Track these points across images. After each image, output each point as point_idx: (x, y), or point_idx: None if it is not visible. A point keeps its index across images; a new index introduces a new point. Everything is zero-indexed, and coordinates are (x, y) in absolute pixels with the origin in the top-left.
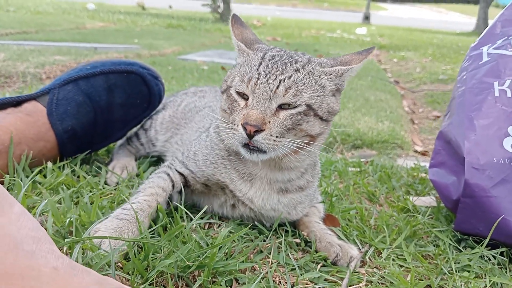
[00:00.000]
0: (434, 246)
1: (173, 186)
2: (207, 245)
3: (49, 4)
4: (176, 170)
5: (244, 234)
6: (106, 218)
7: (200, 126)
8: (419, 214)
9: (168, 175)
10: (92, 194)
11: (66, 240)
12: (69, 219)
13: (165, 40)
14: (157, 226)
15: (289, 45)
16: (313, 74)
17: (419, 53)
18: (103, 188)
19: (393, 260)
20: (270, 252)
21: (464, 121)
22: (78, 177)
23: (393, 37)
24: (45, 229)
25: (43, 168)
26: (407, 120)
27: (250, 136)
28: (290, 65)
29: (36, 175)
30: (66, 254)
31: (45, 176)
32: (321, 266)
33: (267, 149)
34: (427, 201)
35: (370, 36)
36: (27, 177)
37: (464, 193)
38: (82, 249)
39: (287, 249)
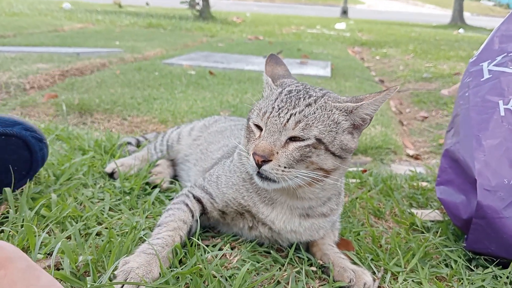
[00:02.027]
0: (446, 266)
1: (192, 215)
2: (226, 279)
3: (24, 4)
4: (193, 197)
5: (257, 261)
6: (133, 252)
7: (223, 144)
8: (427, 231)
9: (187, 205)
10: (101, 228)
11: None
12: (82, 262)
13: (147, 41)
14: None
15: (272, 45)
16: (325, 109)
17: (400, 49)
18: (108, 216)
19: (409, 283)
20: (288, 282)
21: (472, 141)
22: (81, 204)
23: (372, 32)
24: (62, 269)
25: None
26: (396, 122)
27: (258, 165)
28: (303, 99)
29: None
30: None
31: (49, 208)
32: None
33: (276, 178)
34: (432, 215)
35: (349, 31)
36: (30, 209)
37: (477, 214)
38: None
39: (304, 278)
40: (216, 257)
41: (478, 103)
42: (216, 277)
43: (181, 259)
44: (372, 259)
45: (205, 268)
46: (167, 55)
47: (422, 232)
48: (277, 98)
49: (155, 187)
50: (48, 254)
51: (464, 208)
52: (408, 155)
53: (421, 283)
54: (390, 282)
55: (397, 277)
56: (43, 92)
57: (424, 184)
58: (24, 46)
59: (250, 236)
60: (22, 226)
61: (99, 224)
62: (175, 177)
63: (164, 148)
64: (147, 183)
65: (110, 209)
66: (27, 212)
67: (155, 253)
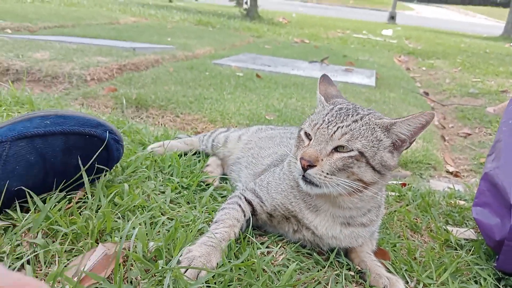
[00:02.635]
0: (475, 282)
1: (244, 215)
2: (274, 274)
3: None
4: (245, 199)
5: (300, 261)
6: (195, 243)
7: (273, 152)
8: (460, 248)
9: (240, 206)
10: (165, 218)
11: (161, 266)
12: (153, 247)
13: (197, 39)
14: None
15: (318, 49)
16: (368, 126)
17: (448, 61)
18: (170, 208)
19: None
20: (328, 283)
21: (511, 168)
22: (146, 195)
23: (420, 40)
24: (135, 252)
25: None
26: (438, 136)
27: (304, 169)
28: (351, 116)
29: (114, 197)
30: (154, 275)
31: (121, 197)
32: None
33: (318, 183)
34: (467, 234)
35: (396, 38)
36: (105, 196)
37: (509, 236)
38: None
39: (343, 280)
40: (266, 254)
41: None
42: (266, 272)
43: (234, 253)
44: (406, 270)
45: (257, 263)
46: (216, 54)
47: (456, 249)
48: (328, 113)
49: (207, 184)
50: (121, 238)
51: (498, 230)
52: (447, 172)
53: None
54: None
55: None
56: (102, 84)
57: (462, 202)
58: (83, 38)
59: (293, 238)
60: (97, 211)
61: (162, 214)
62: (224, 175)
63: (208, 145)
64: (201, 180)
65: (170, 201)
66: (103, 199)
67: (214, 245)
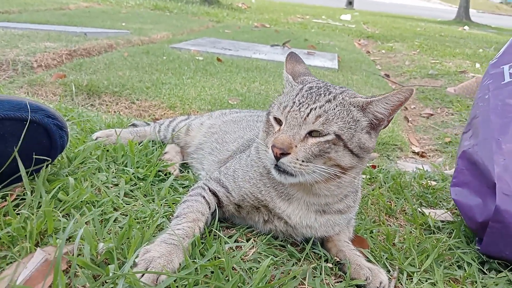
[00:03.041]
0: (459, 267)
1: (209, 208)
2: (246, 272)
3: None
4: (209, 190)
5: (273, 254)
6: (153, 241)
7: (239, 136)
8: (438, 230)
9: (204, 197)
10: (118, 214)
11: (118, 271)
12: (103, 249)
13: (153, 24)
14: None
15: (279, 33)
16: (343, 106)
17: (406, 44)
18: (124, 202)
19: (424, 285)
20: (305, 278)
21: (491, 144)
22: (97, 189)
23: (377, 24)
24: (82, 255)
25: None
26: (401, 117)
27: (277, 158)
28: (324, 95)
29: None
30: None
31: (66, 192)
32: None
33: (293, 172)
34: (443, 216)
35: (355, 23)
36: (47, 192)
37: (494, 218)
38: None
39: (321, 274)
40: (235, 249)
41: (499, 106)
42: (236, 270)
43: (199, 250)
44: (387, 258)
45: (226, 260)
46: (174, 39)
47: (433, 232)
48: (298, 94)
49: (166, 174)
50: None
51: (480, 211)
52: (414, 152)
53: (435, 284)
54: (405, 282)
55: (412, 277)
56: (50, 71)
57: (433, 183)
58: (30, 23)
59: (264, 230)
60: (38, 209)
61: (115, 210)
62: (184, 164)
63: (168, 135)
64: (159, 170)
65: (125, 194)
66: (44, 195)
67: (176, 243)
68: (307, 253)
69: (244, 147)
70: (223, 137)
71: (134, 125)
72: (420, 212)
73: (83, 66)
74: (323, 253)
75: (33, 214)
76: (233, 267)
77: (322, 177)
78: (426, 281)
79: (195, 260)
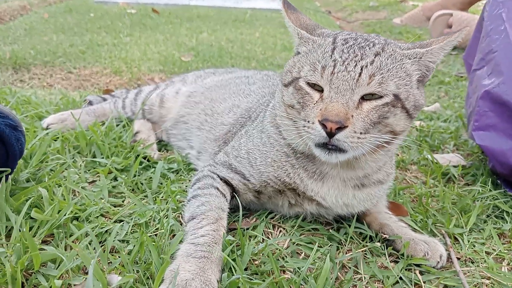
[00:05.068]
0: (501, 218)
1: (226, 200)
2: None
3: None
4: (220, 178)
5: (310, 242)
6: (176, 257)
7: (233, 104)
8: (455, 178)
9: (217, 188)
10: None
11: None
12: (120, 283)
13: None
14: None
15: None
16: (395, 58)
17: None
18: (110, 204)
19: (474, 246)
20: (356, 265)
21: None
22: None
23: None
24: None
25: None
26: None
27: (331, 134)
28: (369, 48)
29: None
30: None
31: (39, 207)
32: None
33: (349, 148)
34: (454, 160)
35: None
36: (15, 212)
37: None
38: None
39: (373, 257)
40: (261, 242)
41: None
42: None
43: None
44: (433, 223)
45: (273, 266)
46: None
47: (453, 181)
48: (334, 49)
49: (146, 158)
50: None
51: None
52: None
53: (484, 244)
54: (454, 244)
55: (459, 240)
56: None
57: (424, 124)
58: None
59: (290, 213)
60: (8, 238)
61: (103, 216)
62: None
63: (136, 110)
64: (137, 154)
65: (108, 193)
66: (13, 216)
67: (207, 255)
68: (345, 233)
69: (244, 118)
70: (211, 107)
71: (90, 102)
72: (435, 162)
73: None
74: (364, 230)
75: (7, 250)
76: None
77: (372, 148)
78: (476, 241)
79: (233, 272)
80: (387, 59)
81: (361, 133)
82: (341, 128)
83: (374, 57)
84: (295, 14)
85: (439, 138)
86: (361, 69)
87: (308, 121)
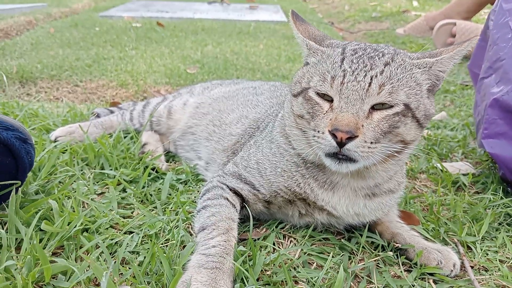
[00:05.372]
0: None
1: (236, 210)
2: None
3: None
4: (229, 189)
5: (321, 252)
6: (187, 268)
7: (241, 115)
8: (464, 186)
9: (226, 199)
10: (123, 235)
11: None
12: None
13: None
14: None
15: None
16: (405, 68)
17: None
18: (120, 216)
19: (487, 254)
20: (368, 274)
21: None
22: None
23: None
24: None
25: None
26: None
27: (341, 144)
28: (378, 58)
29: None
30: None
31: (49, 220)
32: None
33: (360, 157)
34: (464, 168)
35: None
36: (25, 224)
37: None
38: None
39: (386, 267)
40: (272, 252)
41: None
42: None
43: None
44: (445, 232)
45: (291, 281)
46: (99, 7)
47: (463, 190)
48: (343, 59)
49: (154, 169)
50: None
51: None
52: None
53: (497, 252)
54: (467, 254)
55: (471, 249)
56: None
57: (430, 132)
58: None
59: (300, 223)
60: (18, 250)
61: (112, 227)
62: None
63: (144, 122)
64: (146, 166)
65: (117, 205)
66: (23, 229)
67: (218, 266)
68: (357, 242)
69: (252, 129)
70: (219, 118)
71: (97, 115)
72: (444, 170)
73: (6, 50)
74: (375, 239)
75: (18, 262)
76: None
77: (382, 158)
78: (489, 249)
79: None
80: (397, 69)
81: (371, 142)
82: (351, 138)
83: (384, 67)
84: (304, 25)
85: (447, 147)
86: (371, 79)
87: (318, 131)
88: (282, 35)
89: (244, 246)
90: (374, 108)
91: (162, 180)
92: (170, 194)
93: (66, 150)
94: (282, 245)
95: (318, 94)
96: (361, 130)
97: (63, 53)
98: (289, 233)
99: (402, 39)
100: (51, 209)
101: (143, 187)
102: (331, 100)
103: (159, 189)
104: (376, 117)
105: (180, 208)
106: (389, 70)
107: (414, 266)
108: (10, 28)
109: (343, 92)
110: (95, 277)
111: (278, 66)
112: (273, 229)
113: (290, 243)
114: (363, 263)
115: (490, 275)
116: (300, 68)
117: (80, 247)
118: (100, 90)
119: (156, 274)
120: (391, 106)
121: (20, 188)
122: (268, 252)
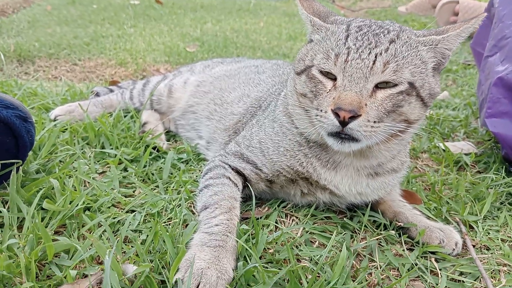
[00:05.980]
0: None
1: (238, 189)
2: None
3: None
4: (231, 168)
5: (324, 230)
6: (190, 246)
7: (243, 94)
8: (466, 166)
9: (229, 178)
10: (126, 213)
11: None
12: (135, 272)
13: None
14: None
15: None
16: (410, 45)
17: None
18: (123, 197)
19: (489, 233)
20: (371, 253)
21: None
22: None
23: None
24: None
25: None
26: None
27: (344, 123)
28: (383, 35)
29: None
30: None
31: (51, 199)
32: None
33: (362, 137)
34: (466, 148)
35: None
36: (27, 203)
37: None
38: None
39: (388, 245)
40: (274, 230)
41: None
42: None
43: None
44: (447, 211)
45: (290, 256)
46: None
47: (464, 169)
48: (347, 36)
49: (155, 148)
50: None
51: None
52: None
53: (498, 231)
54: (469, 233)
55: (473, 228)
56: None
57: (431, 112)
58: None
59: (302, 202)
60: (20, 229)
61: (114, 206)
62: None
63: (144, 100)
64: (147, 145)
65: (119, 183)
66: (24, 208)
67: (221, 244)
68: (359, 221)
69: (254, 108)
70: (221, 97)
71: (97, 94)
72: (443, 149)
73: (2, 28)
74: (378, 218)
75: (20, 241)
76: (305, 266)
77: (385, 137)
78: (491, 228)
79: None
80: (402, 47)
81: (374, 122)
82: (354, 117)
83: (389, 45)
84: (308, 1)
85: (449, 127)
86: (376, 57)
87: (321, 110)
88: (283, 13)
89: (246, 225)
90: (378, 86)
91: (163, 159)
92: (171, 173)
93: (66, 129)
94: (284, 223)
95: (321, 72)
96: (364, 109)
97: (60, 31)
98: (291, 212)
99: (404, 17)
100: (52, 188)
101: (145, 166)
102: (334, 79)
103: (160, 168)
104: (380, 96)
105: (182, 187)
106: (394, 48)
107: (416, 245)
108: (6, 5)
109: (346, 70)
110: (98, 256)
111: (279, 44)
112: (275, 208)
113: (292, 221)
114: (365, 241)
115: (491, 254)
116: (304, 45)
117: (83, 226)
118: (99, 69)
119: (159, 253)
120: (395, 85)
121: (21, 167)
122: (271, 230)
